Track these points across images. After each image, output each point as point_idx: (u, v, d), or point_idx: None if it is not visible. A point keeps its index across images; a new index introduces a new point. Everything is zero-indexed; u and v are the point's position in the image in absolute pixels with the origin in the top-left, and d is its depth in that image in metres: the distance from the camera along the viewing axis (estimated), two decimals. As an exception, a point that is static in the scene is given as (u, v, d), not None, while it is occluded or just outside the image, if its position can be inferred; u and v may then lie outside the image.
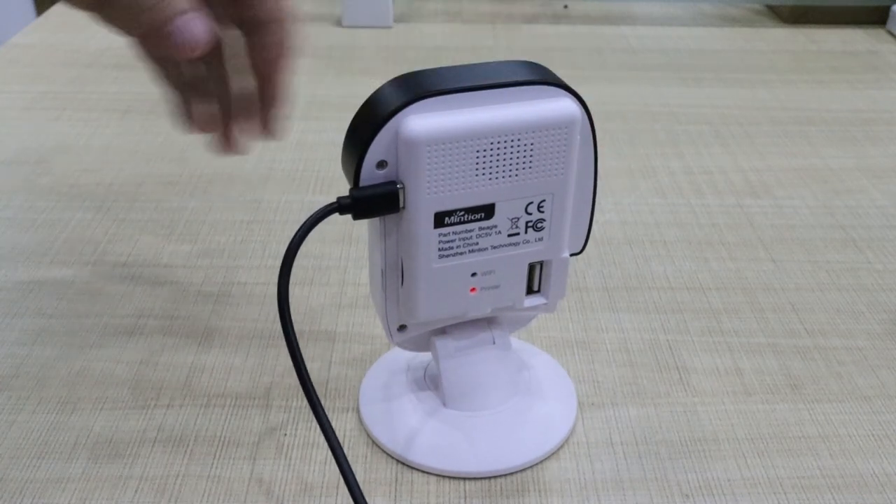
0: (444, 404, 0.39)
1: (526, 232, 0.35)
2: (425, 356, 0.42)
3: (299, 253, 0.53)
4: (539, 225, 0.35)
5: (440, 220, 0.33)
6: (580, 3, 1.01)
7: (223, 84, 0.39)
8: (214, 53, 0.37)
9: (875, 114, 0.74)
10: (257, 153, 0.65)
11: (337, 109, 0.72)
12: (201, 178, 0.61)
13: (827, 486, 0.38)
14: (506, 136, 0.32)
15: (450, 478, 0.38)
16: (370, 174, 0.32)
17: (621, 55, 0.86)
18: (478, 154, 0.32)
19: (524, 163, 0.33)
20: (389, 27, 0.92)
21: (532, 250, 0.35)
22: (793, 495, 0.37)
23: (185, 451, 0.39)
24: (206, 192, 0.59)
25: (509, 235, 0.35)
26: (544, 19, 0.96)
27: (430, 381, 0.41)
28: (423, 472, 0.38)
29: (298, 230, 0.32)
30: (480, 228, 0.34)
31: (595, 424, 0.41)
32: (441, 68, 0.33)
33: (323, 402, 0.42)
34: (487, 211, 0.34)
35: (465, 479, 0.38)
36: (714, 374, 0.44)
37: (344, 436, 0.40)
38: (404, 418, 0.39)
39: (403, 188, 0.32)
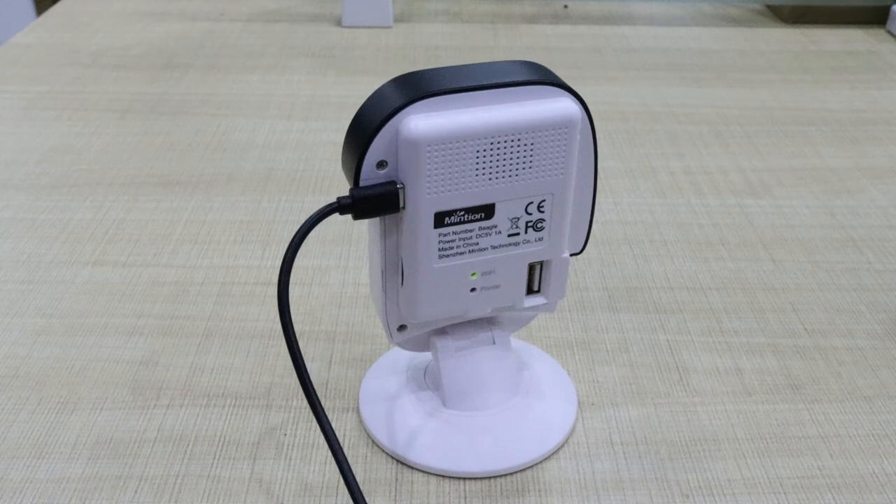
0: (444, 404, 0.39)
1: (526, 232, 0.35)
2: (425, 356, 0.42)
3: (299, 253, 0.53)
4: (539, 225, 0.35)
5: (440, 220, 0.33)
6: (580, 3, 1.01)
7: None
8: None
9: (875, 114, 0.74)
10: (257, 153, 0.65)
11: (337, 109, 0.72)
12: (201, 178, 0.61)
13: (827, 486, 0.38)
14: (506, 136, 0.32)
15: (450, 478, 0.38)
16: (370, 174, 0.32)
17: (621, 55, 0.86)
18: (478, 154, 0.32)
19: (524, 163, 0.33)
20: (389, 27, 0.92)
21: (532, 250, 0.35)
22: (793, 495, 0.37)
23: (185, 451, 0.39)
24: (206, 192, 0.59)
25: (509, 235, 0.35)
26: (544, 19, 0.96)
27: (430, 381, 0.41)
28: (423, 472, 0.38)
29: (298, 230, 0.32)
30: (480, 228, 0.34)
31: (595, 424, 0.41)
32: (441, 68, 0.33)
33: (323, 402, 0.42)
34: (487, 211, 0.34)
35: (465, 479, 0.38)
36: (714, 374, 0.44)
37: (344, 436, 0.40)
38: (404, 418, 0.39)
39: (403, 188, 0.32)
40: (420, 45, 0.87)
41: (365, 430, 0.40)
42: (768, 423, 0.41)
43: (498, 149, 0.32)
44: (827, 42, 0.90)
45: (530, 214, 0.34)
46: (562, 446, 0.39)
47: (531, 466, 0.38)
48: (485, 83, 0.32)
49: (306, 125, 0.69)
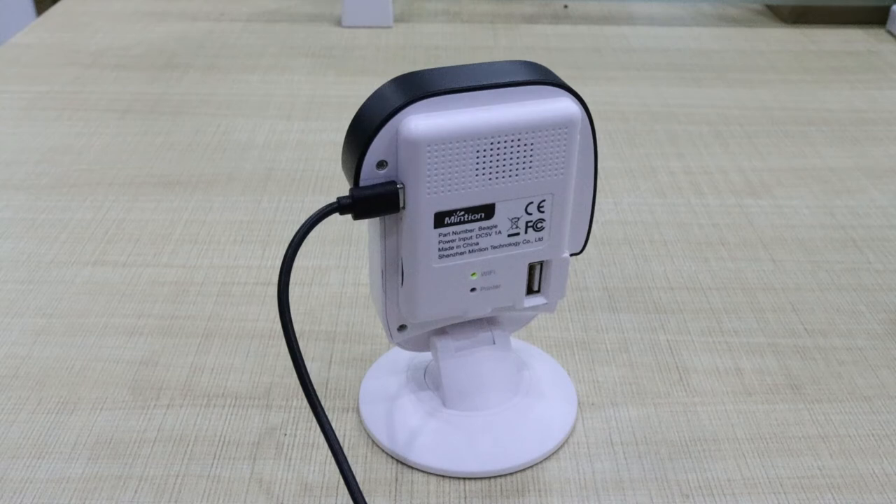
0: (444, 404, 0.39)
1: (526, 232, 0.35)
2: (425, 356, 0.42)
3: (299, 253, 0.53)
4: (539, 225, 0.35)
5: (440, 220, 0.33)
6: (580, 3, 1.01)
7: None
8: None
9: (875, 114, 0.74)
10: (257, 153, 0.65)
11: (337, 109, 0.72)
12: (201, 178, 0.61)
13: (827, 486, 0.38)
14: (506, 136, 0.32)
15: (450, 478, 0.38)
16: (370, 174, 0.32)
17: (621, 55, 0.86)
18: (478, 154, 0.32)
19: (524, 163, 0.33)
20: (389, 27, 0.92)
21: (532, 250, 0.35)
22: (793, 495, 0.37)
23: (185, 451, 0.39)
24: (206, 192, 0.59)
25: (509, 235, 0.35)
26: (544, 19, 0.96)
27: (430, 381, 0.41)
28: (423, 472, 0.38)
29: (298, 230, 0.32)
30: (480, 228, 0.34)
31: (595, 424, 0.41)
32: (441, 68, 0.33)
33: (323, 402, 0.42)
34: (487, 211, 0.34)
35: (465, 479, 0.38)
36: (714, 374, 0.44)
37: (344, 436, 0.40)
38: (404, 418, 0.39)
39: (403, 188, 0.32)
40: (420, 45, 0.87)
41: (365, 430, 0.40)
42: (768, 423, 0.41)
43: (498, 149, 0.32)
44: (827, 42, 0.90)
45: (530, 214, 0.34)
46: (562, 446, 0.39)
47: (531, 466, 0.38)
48: (485, 83, 0.32)
49: (306, 125, 0.69)
